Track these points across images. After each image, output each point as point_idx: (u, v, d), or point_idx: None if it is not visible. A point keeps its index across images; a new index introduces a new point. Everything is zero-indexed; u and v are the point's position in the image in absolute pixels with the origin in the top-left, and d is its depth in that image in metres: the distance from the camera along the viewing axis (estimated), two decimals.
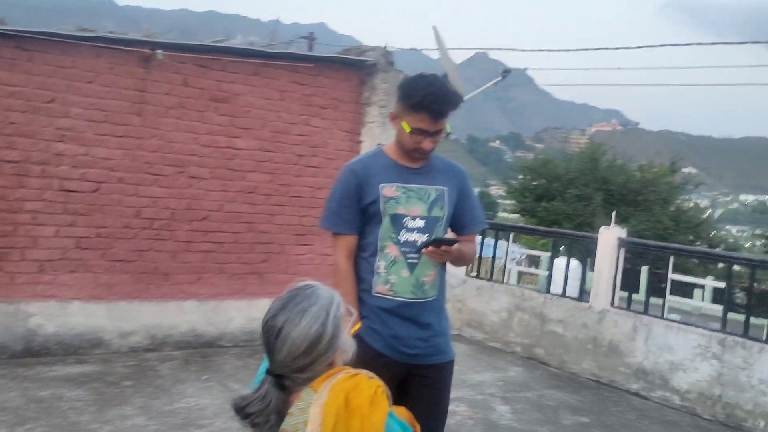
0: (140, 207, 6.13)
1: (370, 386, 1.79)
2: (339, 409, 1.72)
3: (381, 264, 2.71)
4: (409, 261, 2.69)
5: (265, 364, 1.90)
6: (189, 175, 6.31)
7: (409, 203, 2.71)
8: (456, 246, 2.64)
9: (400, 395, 2.72)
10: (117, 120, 5.99)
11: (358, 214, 2.73)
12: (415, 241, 2.69)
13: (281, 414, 1.80)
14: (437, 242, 2.61)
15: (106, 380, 5.34)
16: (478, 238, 8.90)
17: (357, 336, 2.70)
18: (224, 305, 6.55)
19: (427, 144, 2.66)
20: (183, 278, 6.36)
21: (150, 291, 6.22)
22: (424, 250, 2.64)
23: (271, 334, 1.81)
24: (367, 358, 2.62)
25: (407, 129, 2.64)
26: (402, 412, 2.14)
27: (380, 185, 2.70)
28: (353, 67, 7.06)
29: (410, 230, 2.70)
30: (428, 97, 2.59)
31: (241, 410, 1.80)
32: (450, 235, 2.77)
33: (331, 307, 1.85)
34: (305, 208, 6.87)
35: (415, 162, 2.76)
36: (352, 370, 1.85)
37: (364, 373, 1.85)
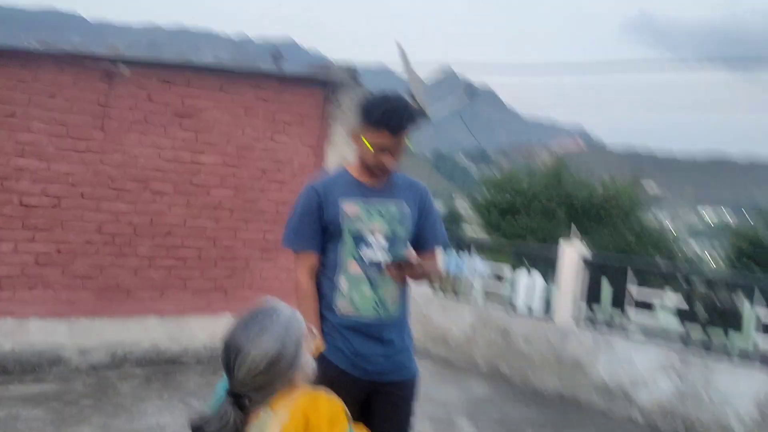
0: (102, 222, 6.04)
1: (329, 405, 1.80)
2: (297, 429, 1.72)
3: (343, 282, 2.71)
4: (372, 279, 2.70)
5: (222, 383, 1.89)
6: (152, 191, 6.24)
7: (371, 221, 2.72)
8: (418, 266, 2.65)
9: (364, 413, 2.72)
10: (79, 135, 5.91)
11: (320, 232, 2.74)
12: (377, 259, 2.70)
13: None
14: (399, 263, 2.63)
15: (65, 399, 5.23)
16: (442, 254, 8.93)
17: (319, 354, 2.70)
18: (187, 321, 6.47)
19: (389, 160, 2.67)
20: (145, 294, 6.27)
21: (112, 307, 6.12)
22: (385, 268, 2.66)
23: (230, 354, 1.80)
24: (330, 376, 2.61)
25: (368, 145, 2.66)
26: (362, 431, 2.14)
27: (342, 203, 2.72)
28: (319, 84, 7.07)
29: (372, 248, 2.71)
30: (387, 113, 2.62)
31: (199, 429, 1.78)
32: (412, 252, 2.78)
33: (292, 326, 1.85)
34: (269, 223, 6.84)
35: (377, 180, 2.77)
36: (311, 389, 1.85)
37: (323, 392, 1.86)
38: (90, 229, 5.98)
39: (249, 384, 1.78)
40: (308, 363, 1.89)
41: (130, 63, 6.04)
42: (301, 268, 2.75)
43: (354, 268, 2.70)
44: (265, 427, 1.76)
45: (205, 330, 6.51)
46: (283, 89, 6.87)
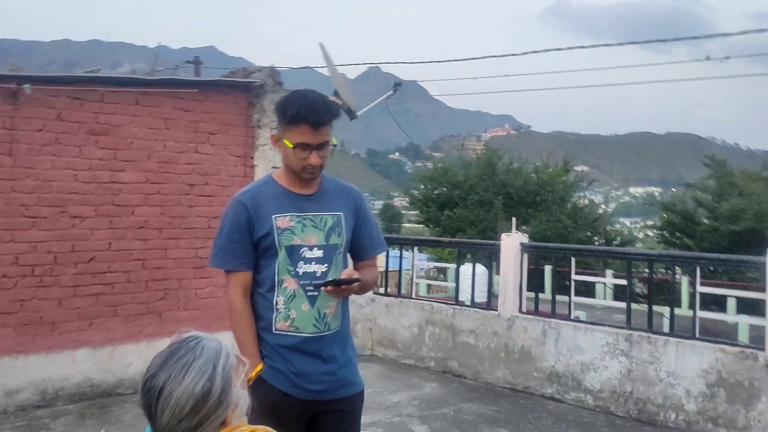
0: (18, 253, 5.67)
1: None
2: None
3: (279, 299, 2.55)
4: (309, 294, 2.55)
5: (148, 430, 1.68)
6: (71, 215, 5.90)
7: (305, 233, 2.57)
8: (356, 284, 2.53)
9: (312, 428, 2.61)
10: None
11: (251, 249, 2.57)
12: (314, 272, 2.56)
13: None
14: (337, 283, 2.49)
15: None
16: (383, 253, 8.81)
17: (259, 378, 2.52)
18: (120, 350, 6.15)
19: (314, 159, 2.52)
20: (72, 326, 5.92)
21: (36, 343, 5.76)
22: (323, 289, 2.51)
23: (151, 396, 1.58)
24: (272, 400, 2.51)
25: (290, 145, 2.51)
26: None
27: (273, 216, 2.55)
28: (241, 90, 6.83)
29: (308, 261, 2.56)
30: (304, 108, 2.48)
31: None
32: (349, 270, 2.61)
33: (219, 358, 1.64)
34: (201, 239, 6.56)
35: (307, 188, 2.62)
36: (248, 428, 1.66)
37: (262, 429, 1.67)
38: (5, 261, 5.61)
39: (175, 429, 1.57)
40: (242, 397, 1.68)
41: (36, 81, 5.69)
42: (234, 288, 2.58)
43: (290, 283, 2.55)
44: None
45: (140, 357, 6.19)
46: (204, 98, 6.60)
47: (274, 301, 2.56)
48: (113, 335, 6.11)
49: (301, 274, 2.55)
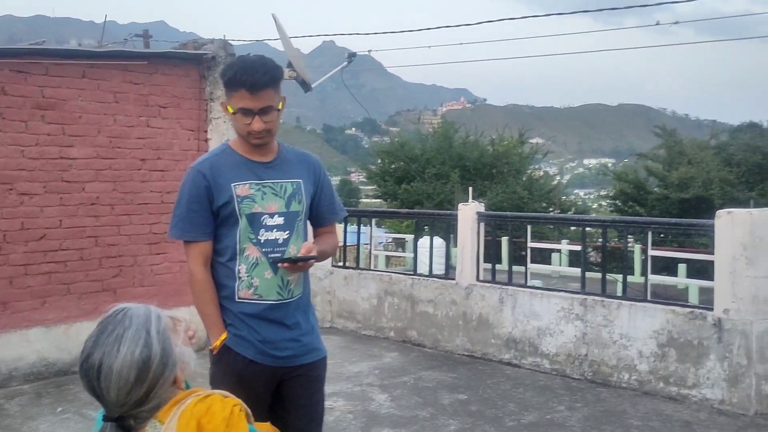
0: None
1: (225, 407, 1.59)
2: None
3: (242, 267, 2.55)
4: (272, 262, 2.55)
5: (101, 411, 1.65)
6: (19, 192, 5.74)
7: (266, 200, 2.56)
8: (313, 260, 2.56)
9: (275, 399, 2.63)
10: None
11: (211, 218, 2.55)
12: (276, 239, 2.56)
13: None
14: (293, 260, 2.51)
15: None
16: (341, 226, 8.81)
17: (224, 346, 2.53)
18: (75, 328, 6.04)
19: (256, 124, 2.49)
20: (25, 305, 5.80)
21: None
22: (279, 265, 2.52)
23: (91, 376, 1.54)
24: (238, 367, 2.53)
25: (231, 111, 2.50)
26: (266, 429, 1.97)
27: (232, 184, 2.53)
28: (192, 62, 6.70)
29: (269, 228, 2.55)
30: (240, 71, 2.46)
31: None
32: (307, 245, 2.61)
33: (150, 324, 1.60)
34: (155, 215, 6.47)
35: (265, 155, 2.61)
36: (203, 392, 1.64)
37: (218, 394, 1.65)
38: None
39: (125, 402, 1.54)
40: (187, 354, 1.65)
41: None
42: (195, 258, 2.57)
43: (252, 251, 2.55)
44: None
45: None
46: (154, 71, 6.47)
47: (236, 270, 2.55)
48: (67, 313, 6.01)
49: (262, 241, 2.55)
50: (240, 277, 2.55)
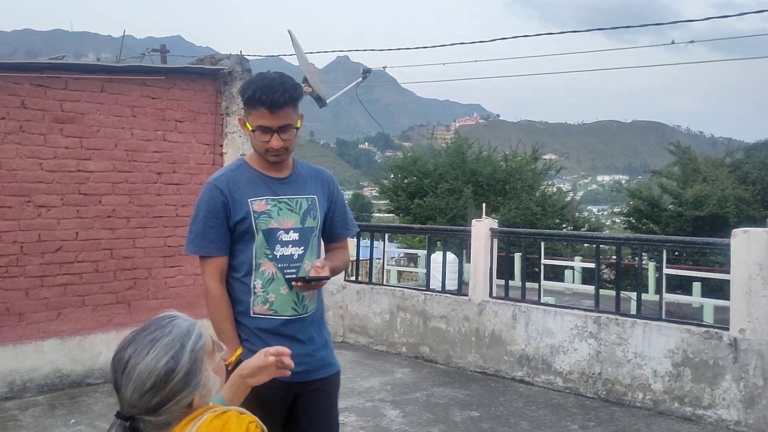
0: None
1: (241, 424, 1.59)
2: None
3: (257, 283, 2.55)
4: (288, 277, 2.55)
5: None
6: (36, 204, 5.80)
7: (281, 216, 2.57)
8: (326, 280, 2.56)
9: (290, 415, 2.62)
10: None
11: (227, 234, 2.56)
12: (291, 255, 2.57)
13: None
14: (306, 280, 2.52)
15: None
16: (353, 240, 8.82)
17: (239, 362, 2.52)
18: (90, 340, 6.08)
19: (275, 142, 2.50)
20: (40, 316, 5.84)
21: (3, 334, 5.66)
22: (294, 284, 2.53)
23: (117, 369, 1.57)
24: None
25: (250, 128, 2.51)
26: None
27: (249, 200, 2.54)
28: (208, 77, 6.76)
29: (285, 244, 2.56)
30: (260, 89, 2.45)
31: None
32: (318, 264, 2.62)
33: (189, 338, 1.61)
34: (170, 228, 6.50)
35: (280, 171, 2.62)
36: (220, 408, 1.64)
37: (234, 410, 1.65)
38: None
39: (137, 405, 1.55)
40: (212, 382, 1.66)
41: None
42: (210, 273, 2.57)
43: (268, 267, 2.55)
44: None
45: (110, 347, 6.12)
46: (172, 85, 6.53)
47: (252, 285, 2.56)
48: (82, 325, 6.04)
49: (278, 257, 2.55)
50: (255, 293, 2.56)
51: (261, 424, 1.65)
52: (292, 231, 2.58)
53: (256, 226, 2.54)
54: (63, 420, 5.21)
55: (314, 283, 2.54)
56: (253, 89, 2.46)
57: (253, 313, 2.56)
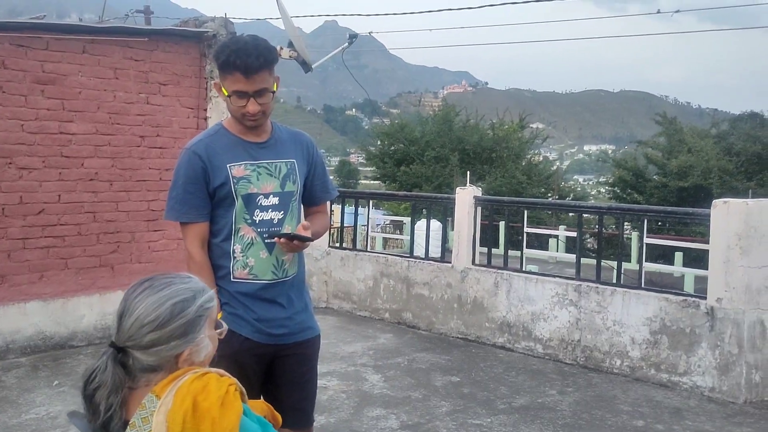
0: None
1: (220, 386, 1.63)
2: (186, 414, 1.55)
3: (237, 248, 2.57)
4: (267, 241, 2.57)
5: None
6: (18, 166, 5.76)
7: (261, 181, 2.57)
8: (308, 242, 2.57)
9: (268, 377, 2.66)
10: None
11: (207, 199, 2.56)
12: (271, 220, 2.58)
13: (125, 422, 1.61)
14: (290, 237, 2.52)
15: None
16: (338, 207, 8.83)
17: (218, 324, 2.55)
18: (73, 303, 6.09)
19: (251, 107, 2.49)
20: (22, 278, 5.83)
21: None
22: (276, 240, 2.53)
23: (126, 301, 1.64)
24: (233, 345, 2.52)
25: (225, 93, 2.49)
26: (260, 406, 2.00)
27: (228, 165, 2.54)
28: (193, 40, 6.69)
29: (264, 209, 2.57)
30: (234, 54, 2.43)
31: (85, 386, 1.61)
32: (304, 224, 2.63)
33: (202, 295, 1.68)
34: (153, 191, 6.48)
35: (259, 135, 2.61)
36: (201, 370, 1.67)
37: (214, 372, 1.69)
38: None
39: (134, 337, 1.60)
40: (204, 346, 1.69)
41: None
42: (192, 240, 2.57)
43: (247, 232, 2.56)
44: (149, 416, 1.58)
45: (93, 310, 6.15)
46: (155, 47, 6.45)
47: (231, 250, 2.57)
48: (65, 288, 6.04)
49: (257, 222, 2.56)
50: (235, 257, 2.57)
51: (240, 386, 1.69)
52: (271, 195, 2.58)
53: (235, 191, 2.53)
54: (46, 381, 5.24)
55: (296, 243, 2.54)
56: (227, 54, 2.44)
57: (233, 278, 2.58)
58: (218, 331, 1.77)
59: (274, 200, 2.59)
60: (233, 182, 2.53)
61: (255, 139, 2.60)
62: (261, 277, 2.58)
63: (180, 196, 2.56)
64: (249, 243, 2.56)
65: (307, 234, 2.56)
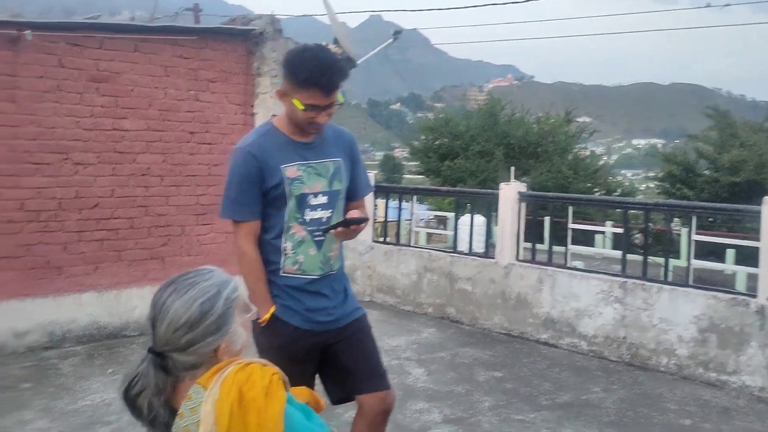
0: (23, 199, 5.75)
1: (264, 376, 1.68)
2: (233, 405, 1.61)
3: (288, 245, 2.66)
4: (316, 239, 2.67)
5: None
6: (74, 162, 5.96)
7: (311, 181, 2.65)
8: (364, 223, 2.65)
9: (326, 364, 2.76)
10: None
11: (260, 198, 2.64)
12: (320, 218, 2.67)
13: (172, 411, 1.68)
14: (347, 223, 2.60)
15: (2, 385, 5.03)
16: (383, 201, 8.89)
17: (272, 317, 2.64)
18: (125, 294, 6.28)
19: (322, 118, 2.58)
20: (78, 270, 6.04)
21: (43, 286, 5.88)
22: (333, 231, 2.62)
23: (156, 306, 1.69)
24: (285, 335, 2.65)
25: (300, 107, 2.54)
26: (302, 393, 2.06)
27: (282, 166, 2.61)
28: (240, 38, 6.81)
29: (314, 208, 2.66)
30: (316, 72, 2.49)
31: (127, 392, 1.67)
32: (354, 211, 2.71)
33: (226, 287, 1.73)
34: (202, 186, 6.64)
35: (308, 136, 2.68)
36: (244, 361, 1.73)
37: (257, 362, 1.74)
38: (11, 207, 5.69)
39: (170, 342, 1.66)
40: (238, 334, 1.75)
41: (36, 27, 5.68)
42: (245, 237, 2.66)
43: (298, 230, 2.66)
44: (197, 406, 1.64)
45: (144, 301, 6.27)
46: (204, 45, 6.59)
47: (282, 247, 2.66)
48: (118, 279, 6.24)
49: (308, 221, 2.65)
50: (286, 254, 2.66)
51: (283, 375, 1.74)
52: (320, 195, 2.67)
53: (289, 192, 2.62)
54: (101, 369, 5.42)
55: (353, 227, 2.61)
56: (309, 71, 2.49)
57: (283, 273, 2.67)
58: (248, 315, 1.83)
59: (323, 199, 2.67)
60: (287, 183, 2.61)
61: (303, 139, 2.68)
62: (309, 273, 2.67)
63: (235, 196, 2.64)
64: (300, 241, 2.65)
65: (361, 215, 2.63)
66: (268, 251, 2.67)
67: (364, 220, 2.63)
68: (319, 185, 2.66)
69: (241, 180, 2.62)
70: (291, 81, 2.55)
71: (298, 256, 2.65)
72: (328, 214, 2.68)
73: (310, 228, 2.65)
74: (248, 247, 2.65)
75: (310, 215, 2.65)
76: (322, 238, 2.67)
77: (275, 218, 2.65)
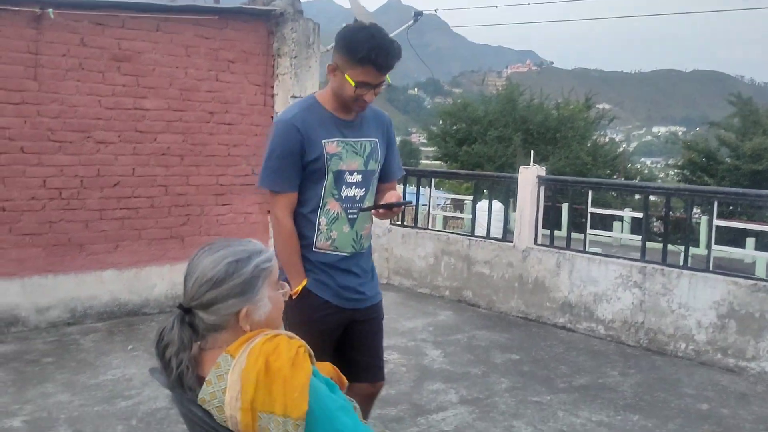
0: (46, 177, 5.81)
1: (291, 348, 1.71)
2: (259, 374, 1.64)
3: (322, 220, 2.69)
4: (350, 216, 2.71)
5: None
6: (96, 140, 6.00)
7: (348, 158, 2.68)
8: (407, 204, 2.79)
9: (343, 341, 2.82)
10: (11, 86, 5.60)
11: (300, 171, 2.66)
12: (354, 196, 2.70)
13: (200, 380, 1.71)
14: (391, 206, 2.66)
15: (25, 359, 5.11)
16: (400, 185, 8.90)
17: (304, 290, 2.68)
18: (145, 272, 6.34)
19: (369, 96, 2.61)
20: (99, 248, 6.10)
21: (65, 263, 5.95)
22: (374, 213, 2.68)
23: (189, 264, 1.76)
24: (315, 308, 2.70)
25: (352, 83, 2.55)
26: (327, 368, 2.09)
27: (323, 141, 2.63)
28: (261, 18, 6.81)
29: (349, 185, 2.69)
30: (374, 50, 2.51)
31: (158, 343, 1.75)
32: (396, 194, 2.76)
33: (259, 256, 1.77)
34: (222, 167, 6.66)
35: (350, 114, 2.70)
36: (271, 332, 1.76)
37: (284, 334, 1.77)
38: (34, 184, 5.75)
39: (195, 296, 1.72)
40: (264, 303, 1.77)
41: (59, 5, 5.71)
42: (282, 209, 2.69)
43: (333, 206, 2.69)
44: (224, 374, 1.68)
45: (164, 279, 6.40)
46: (224, 25, 6.60)
47: (317, 222, 2.69)
48: (138, 258, 6.29)
49: (343, 197, 2.69)
50: (320, 229, 2.69)
51: (309, 348, 1.77)
52: (356, 173, 2.70)
53: (328, 167, 2.64)
54: (121, 345, 5.49)
55: (395, 209, 2.70)
56: (368, 49, 2.50)
57: (315, 248, 2.70)
58: (281, 291, 1.85)
59: (358, 177, 2.70)
60: (327, 158, 2.63)
61: (345, 117, 2.70)
62: (342, 250, 2.71)
63: (275, 166, 2.65)
64: (334, 217, 2.68)
65: (400, 199, 2.70)
66: (303, 225, 2.70)
67: (408, 203, 2.71)
68: (356, 163, 2.69)
69: (283, 151, 2.63)
70: (346, 57, 2.55)
71: (332, 233, 2.69)
72: (362, 193, 2.72)
73: (345, 205, 2.69)
74: (285, 218, 2.67)
75: (345, 192, 2.68)
76: (355, 216, 2.71)
77: (312, 191, 2.67)
